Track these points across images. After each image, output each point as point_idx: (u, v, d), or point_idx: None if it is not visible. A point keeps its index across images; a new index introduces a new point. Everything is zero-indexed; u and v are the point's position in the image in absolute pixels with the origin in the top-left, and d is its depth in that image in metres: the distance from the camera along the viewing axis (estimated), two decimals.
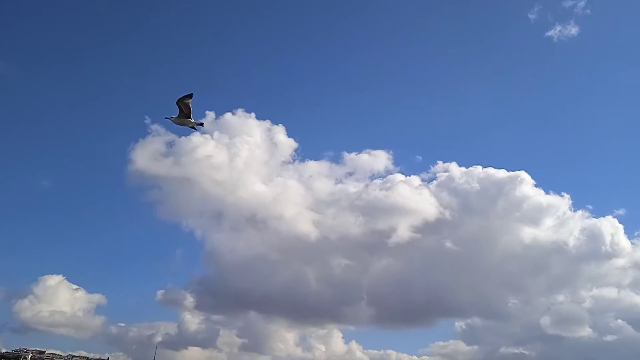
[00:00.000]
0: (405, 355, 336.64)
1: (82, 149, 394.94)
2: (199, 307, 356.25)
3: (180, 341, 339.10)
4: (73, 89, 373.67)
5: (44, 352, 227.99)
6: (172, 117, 35.52)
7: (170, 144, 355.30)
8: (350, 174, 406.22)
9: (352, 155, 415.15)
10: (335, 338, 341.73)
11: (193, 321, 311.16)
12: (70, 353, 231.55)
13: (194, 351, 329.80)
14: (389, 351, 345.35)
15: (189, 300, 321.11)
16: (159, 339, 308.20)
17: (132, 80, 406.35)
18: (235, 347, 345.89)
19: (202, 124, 37.54)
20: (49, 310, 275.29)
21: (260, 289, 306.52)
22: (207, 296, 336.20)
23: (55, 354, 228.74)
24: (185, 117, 35.76)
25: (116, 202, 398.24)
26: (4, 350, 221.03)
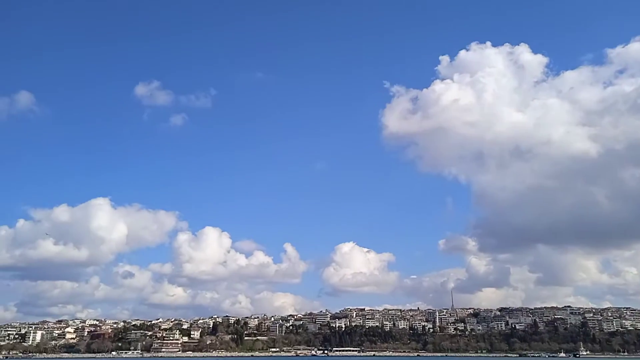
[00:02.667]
0: None
1: (341, 130, 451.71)
2: (482, 249, 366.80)
3: (473, 284, 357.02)
4: (319, 82, 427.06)
5: (363, 309, 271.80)
6: None
7: (414, 100, 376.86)
8: (621, 72, 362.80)
9: (618, 49, 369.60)
10: None
11: (480, 264, 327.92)
12: (386, 307, 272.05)
13: (489, 292, 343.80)
14: None
15: (471, 244, 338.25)
16: (451, 285, 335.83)
17: (365, 52, 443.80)
18: (530, 282, 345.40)
19: None
20: (351, 273, 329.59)
21: (543, 221, 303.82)
22: (489, 237, 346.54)
23: (374, 310, 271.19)
24: None
25: (379, 168, 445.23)
26: (333, 311, 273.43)
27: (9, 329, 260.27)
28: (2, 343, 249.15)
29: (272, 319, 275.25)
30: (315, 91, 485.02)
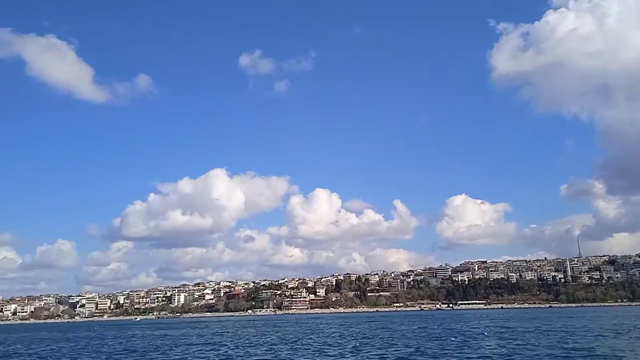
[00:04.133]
0: None
1: (445, 78, 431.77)
2: (611, 191, 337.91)
3: (602, 230, 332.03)
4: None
5: (485, 261, 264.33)
6: None
7: (525, 36, 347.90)
8: None
9: None
10: None
11: (609, 207, 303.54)
12: (509, 258, 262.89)
13: (621, 237, 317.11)
14: None
15: (598, 187, 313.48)
16: (577, 232, 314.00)
17: None
18: None
19: None
20: (465, 225, 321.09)
21: None
22: (619, 178, 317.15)
23: (497, 262, 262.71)
24: None
25: (489, 114, 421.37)
26: (454, 265, 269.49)
27: (157, 292, 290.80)
28: (153, 305, 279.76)
29: (392, 275, 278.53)
30: (414, 39, 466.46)
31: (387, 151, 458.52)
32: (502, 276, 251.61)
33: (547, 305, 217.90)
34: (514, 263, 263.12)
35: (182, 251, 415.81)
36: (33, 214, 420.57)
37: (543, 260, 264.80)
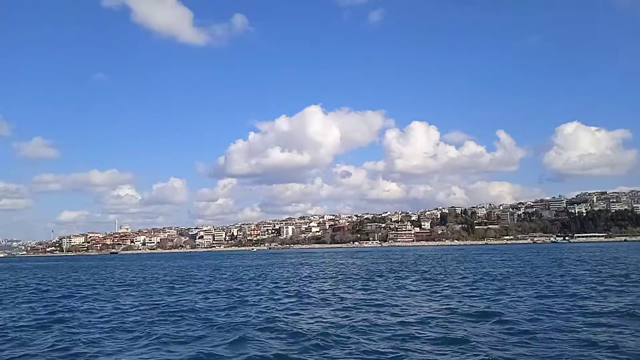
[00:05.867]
0: None
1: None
2: None
3: None
4: None
5: (605, 192, 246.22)
6: None
7: None
8: None
9: None
10: None
11: None
12: (632, 189, 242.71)
13: None
14: None
15: None
16: None
17: None
18: None
19: None
20: (577, 155, 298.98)
21: None
22: None
23: (619, 192, 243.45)
24: None
25: (608, 32, 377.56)
26: (569, 197, 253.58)
27: (266, 225, 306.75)
28: (263, 237, 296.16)
29: (501, 207, 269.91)
30: None
31: (491, 78, 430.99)
32: (626, 207, 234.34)
33: None
34: (639, 193, 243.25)
35: (282, 187, 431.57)
36: (148, 154, 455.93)
37: None
